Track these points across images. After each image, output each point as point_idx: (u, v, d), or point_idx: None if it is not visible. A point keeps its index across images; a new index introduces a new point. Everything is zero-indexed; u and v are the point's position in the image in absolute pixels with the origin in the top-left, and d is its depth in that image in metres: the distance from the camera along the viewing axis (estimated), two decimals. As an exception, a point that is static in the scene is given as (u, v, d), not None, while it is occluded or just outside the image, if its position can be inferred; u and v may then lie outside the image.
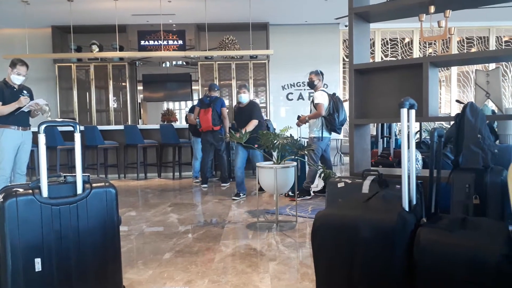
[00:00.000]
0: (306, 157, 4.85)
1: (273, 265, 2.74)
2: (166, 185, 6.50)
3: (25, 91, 4.32)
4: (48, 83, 8.91)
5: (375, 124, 5.09)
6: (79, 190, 1.61)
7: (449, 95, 9.77)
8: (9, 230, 1.46)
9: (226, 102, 8.38)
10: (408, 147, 1.64)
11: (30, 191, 1.56)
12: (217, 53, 8.59)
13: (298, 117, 5.40)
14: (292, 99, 9.45)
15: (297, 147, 3.98)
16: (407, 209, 1.55)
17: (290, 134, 4.09)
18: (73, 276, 1.60)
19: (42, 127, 1.61)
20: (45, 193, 1.55)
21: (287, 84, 9.46)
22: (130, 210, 4.61)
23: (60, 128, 6.98)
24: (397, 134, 5.07)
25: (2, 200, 1.47)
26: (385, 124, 4.89)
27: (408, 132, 1.65)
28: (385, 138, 4.97)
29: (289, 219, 4.04)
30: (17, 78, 4.21)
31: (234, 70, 9.03)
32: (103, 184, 1.71)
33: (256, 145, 4.52)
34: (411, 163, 1.63)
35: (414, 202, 1.61)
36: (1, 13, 7.90)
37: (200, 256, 2.96)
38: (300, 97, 9.47)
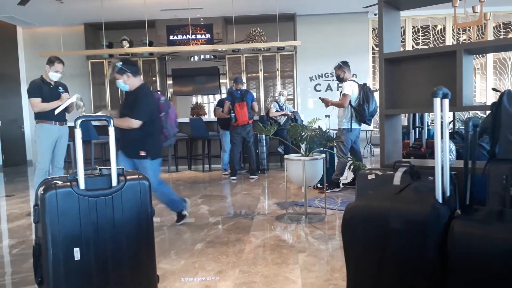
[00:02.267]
0: (335, 149, 4.81)
1: (302, 256, 2.75)
2: (197, 177, 6.61)
3: (61, 87, 4.47)
4: (82, 79, 9.19)
5: (407, 114, 4.97)
6: (114, 182, 1.67)
7: (484, 83, 9.38)
8: (50, 221, 1.54)
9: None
10: (442, 138, 1.60)
11: (68, 183, 1.62)
12: (244, 45, 8.60)
13: (321, 98, 5.39)
14: (320, 90, 9.34)
15: (326, 139, 3.95)
16: (440, 200, 1.52)
17: (319, 126, 4.06)
18: (109, 266, 1.66)
19: (78, 121, 1.68)
20: (82, 185, 1.61)
21: (315, 75, 9.36)
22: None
23: (93, 123, 7.22)
24: (429, 124, 4.93)
25: (42, 192, 1.54)
26: (417, 114, 4.76)
27: (442, 122, 1.61)
28: (417, 129, 4.84)
29: (318, 211, 4.03)
30: (54, 75, 4.36)
31: (261, 62, 9.01)
32: (136, 176, 1.75)
33: (143, 152, 3.36)
34: (444, 154, 1.59)
35: (448, 193, 1.57)
36: (36, 12, 8.19)
37: (230, 247, 3.01)
38: (328, 88, 9.35)
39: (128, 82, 3.38)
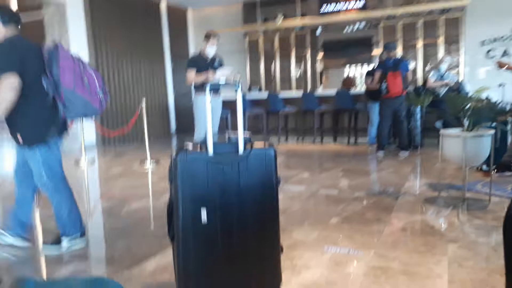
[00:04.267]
0: (509, 125, 3.98)
1: (453, 247, 2.36)
2: (341, 150, 6.40)
3: (217, 62, 4.78)
4: (240, 55, 9.76)
5: None
6: (241, 149, 1.66)
7: None
8: (181, 182, 1.63)
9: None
10: None
11: (199, 148, 1.69)
12: (403, 10, 7.77)
13: (498, 62, 4.49)
14: (494, 56, 7.87)
15: (496, 112, 3.27)
16: None
17: (487, 97, 3.39)
18: (234, 230, 1.68)
19: (207, 88, 1.72)
20: (210, 150, 1.65)
21: (487, 39, 7.90)
22: (303, 172, 4.71)
23: (249, 97, 7.73)
24: None
25: (175, 155, 1.64)
26: None
27: None
28: None
29: (480, 197, 3.42)
30: (211, 49, 4.70)
31: (420, 28, 8.05)
32: (262, 145, 1.72)
33: (19, 136, 2.40)
34: None
35: None
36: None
37: (367, 226, 2.79)
38: (505, 54, 7.80)
39: None
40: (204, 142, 1.66)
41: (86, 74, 2.43)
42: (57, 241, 2.54)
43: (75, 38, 7.09)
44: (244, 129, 1.71)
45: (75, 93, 2.34)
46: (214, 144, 1.65)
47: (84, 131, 5.79)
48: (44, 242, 2.62)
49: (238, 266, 1.72)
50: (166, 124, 9.47)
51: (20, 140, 2.39)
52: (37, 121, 2.40)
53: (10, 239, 2.59)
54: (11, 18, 2.40)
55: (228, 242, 1.68)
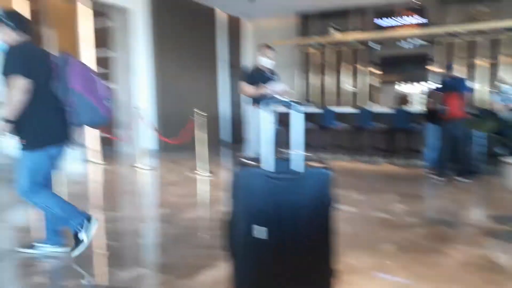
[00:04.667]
0: None
1: (519, 288, 2.18)
2: (395, 172, 6.17)
3: (272, 75, 4.81)
4: (292, 68, 9.79)
5: None
6: (297, 167, 1.66)
7: None
8: (240, 197, 1.65)
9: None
10: None
11: (258, 164, 1.70)
12: (464, 26, 7.43)
13: None
14: None
15: None
16: None
17: None
18: (287, 249, 1.68)
19: (264, 104, 1.74)
20: (269, 167, 1.66)
21: None
22: (355, 193, 4.58)
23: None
24: None
25: (236, 169, 1.67)
26: None
27: None
28: None
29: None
30: (265, 61, 4.74)
31: (482, 47, 7.66)
32: (319, 164, 1.71)
33: (23, 141, 2.48)
34: None
35: None
36: (259, 5, 9.08)
37: (423, 256, 2.65)
38: None
39: (5, 38, 2.50)
40: (259, 157, 1.68)
41: (95, 82, 2.52)
42: (78, 240, 2.57)
43: (138, 45, 7.45)
44: (302, 146, 1.70)
45: (83, 97, 2.42)
46: (275, 160, 1.66)
47: (142, 138, 6.05)
48: (71, 249, 2.61)
49: (290, 286, 1.70)
50: (216, 133, 9.68)
51: (23, 143, 2.45)
52: (41, 127, 2.47)
53: (49, 248, 2.67)
54: (20, 24, 2.52)
55: (281, 261, 1.68)
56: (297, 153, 1.66)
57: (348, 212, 3.75)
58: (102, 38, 7.30)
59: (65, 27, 7.09)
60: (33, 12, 7.64)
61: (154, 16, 7.71)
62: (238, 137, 9.95)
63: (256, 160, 1.71)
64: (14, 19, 2.51)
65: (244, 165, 1.69)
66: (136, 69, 7.43)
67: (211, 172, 5.55)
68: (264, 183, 1.65)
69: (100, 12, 7.23)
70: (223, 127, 9.93)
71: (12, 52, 2.42)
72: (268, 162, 1.66)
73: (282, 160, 1.69)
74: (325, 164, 1.72)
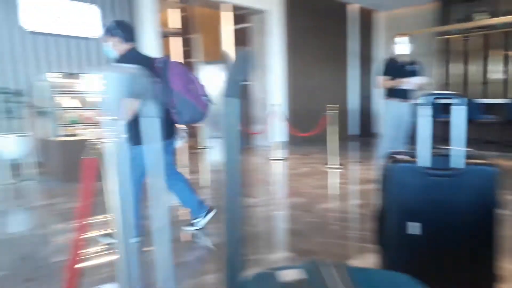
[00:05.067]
0: None
1: None
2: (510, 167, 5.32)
3: (411, 66, 4.57)
4: (430, 58, 9.11)
5: None
6: (457, 164, 1.60)
7: None
8: (391, 191, 1.67)
9: None
10: None
11: (413, 159, 1.68)
12: None
13: None
14: None
15: None
16: None
17: None
18: (444, 247, 1.64)
19: (423, 99, 1.71)
20: (426, 163, 1.64)
21: None
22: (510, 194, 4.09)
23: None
24: None
25: (388, 164, 1.69)
26: None
27: None
28: None
29: None
30: (399, 51, 4.56)
31: None
32: (483, 161, 1.61)
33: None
34: None
35: None
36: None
37: None
38: None
39: (116, 48, 2.73)
40: (412, 152, 1.67)
41: (192, 81, 2.72)
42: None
43: (273, 44, 7.83)
44: (463, 142, 1.63)
45: (184, 97, 2.62)
46: (430, 156, 1.64)
47: (276, 132, 6.38)
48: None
49: (448, 284, 1.66)
50: (344, 126, 9.60)
51: (130, 138, 2.73)
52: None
53: (203, 220, 3.13)
54: (128, 34, 2.75)
55: (437, 258, 1.65)
56: (456, 149, 1.61)
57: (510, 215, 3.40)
58: (241, 39, 7.88)
59: (210, 30, 7.88)
60: (184, 18, 8.67)
61: (288, 16, 8.00)
62: (366, 131, 9.73)
63: (410, 155, 1.70)
64: (122, 30, 2.75)
65: (396, 160, 1.70)
66: (271, 67, 7.84)
67: (341, 164, 5.60)
68: (419, 179, 1.64)
69: (239, 15, 7.82)
70: (351, 120, 9.80)
71: (121, 61, 2.70)
72: (424, 157, 1.64)
73: (439, 156, 1.66)
74: (489, 161, 1.63)
